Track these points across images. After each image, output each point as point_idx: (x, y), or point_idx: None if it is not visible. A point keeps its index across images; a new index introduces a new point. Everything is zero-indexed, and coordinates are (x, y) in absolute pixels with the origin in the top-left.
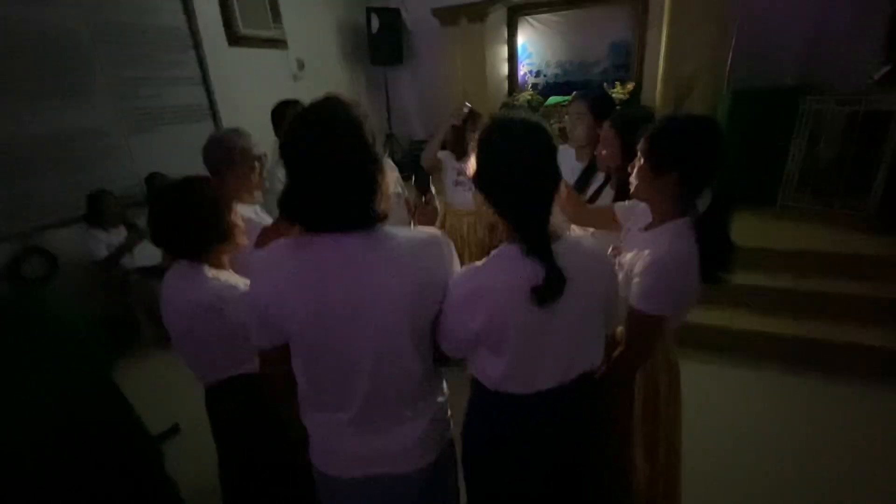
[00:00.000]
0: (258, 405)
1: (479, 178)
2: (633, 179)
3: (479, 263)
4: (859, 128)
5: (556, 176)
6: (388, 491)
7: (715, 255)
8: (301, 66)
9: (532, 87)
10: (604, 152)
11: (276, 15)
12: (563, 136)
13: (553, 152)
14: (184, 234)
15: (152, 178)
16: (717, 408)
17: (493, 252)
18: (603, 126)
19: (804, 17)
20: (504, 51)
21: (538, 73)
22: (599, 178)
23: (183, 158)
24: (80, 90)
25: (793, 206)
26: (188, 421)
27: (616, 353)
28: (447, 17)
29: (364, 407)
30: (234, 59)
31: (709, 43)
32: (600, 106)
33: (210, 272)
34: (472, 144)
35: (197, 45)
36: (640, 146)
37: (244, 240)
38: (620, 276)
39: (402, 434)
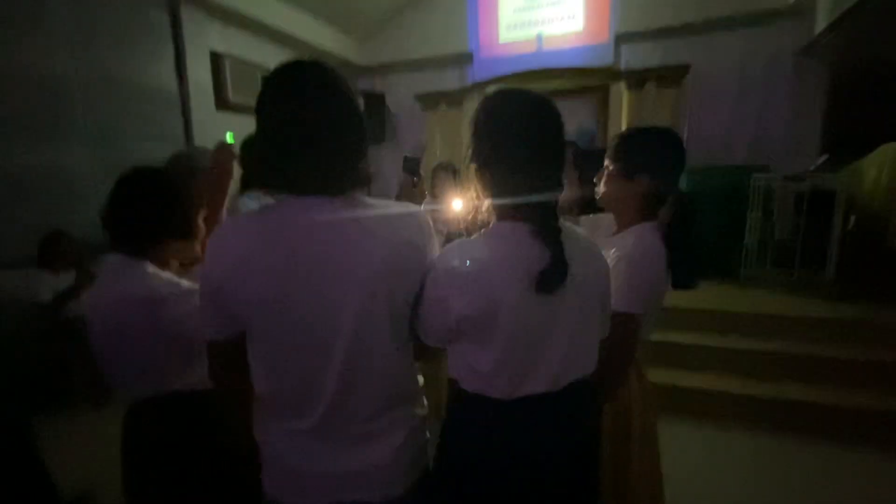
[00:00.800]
0: (191, 431)
1: (481, 155)
2: (601, 187)
3: (471, 238)
4: (808, 204)
5: (564, 152)
6: None
7: (682, 262)
8: None
9: None
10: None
11: None
12: None
13: (562, 125)
14: (133, 218)
15: None
16: (686, 467)
17: (488, 228)
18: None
19: (749, 106)
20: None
21: None
22: None
23: None
24: (58, 133)
25: (755, 276)
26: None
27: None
28: (428, 102)
29: (331, 410)
30: (219, 122)
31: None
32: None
33: (150, 268)
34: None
35: (184, 107)
36: (608, 155)
37: (197, 247)
38: None
39: (375, 450)
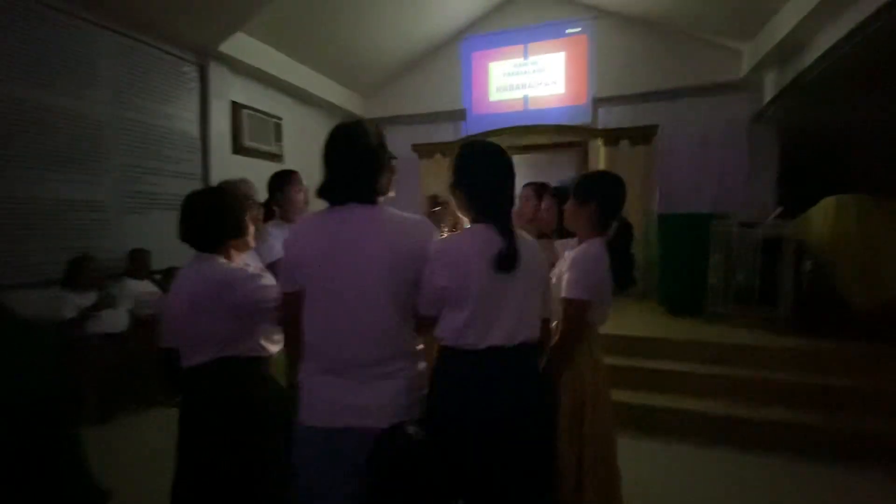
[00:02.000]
0: (240, 387)
1: (460, 181)
2: (566, 211)
3: (454, 234)
4: (762, 248)
5: (514, 177)
6: (358, 445)
7: (623, 267)
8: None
9: None
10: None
11: (279, 135)
12: None
13: (510, 164)
14: (207, 227)
15: (134, 253)
16: (649, 482)
17: (465, 228)
18: (543, 200)
19: (712, 162)
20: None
21: None
22: None
23: (168, 241)
24: (89, 167)
25: (720, 312)
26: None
27: (555, 338)
28: (424, 151)
29: (354, 356)
30: (234, 165)
31: (638, 181)
32: (540, 188)
33: (220, 259)
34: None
35: (204, 149)
36: (572, 190)
37: (252, 242)
38: (554, 280)
39: (382, 388)
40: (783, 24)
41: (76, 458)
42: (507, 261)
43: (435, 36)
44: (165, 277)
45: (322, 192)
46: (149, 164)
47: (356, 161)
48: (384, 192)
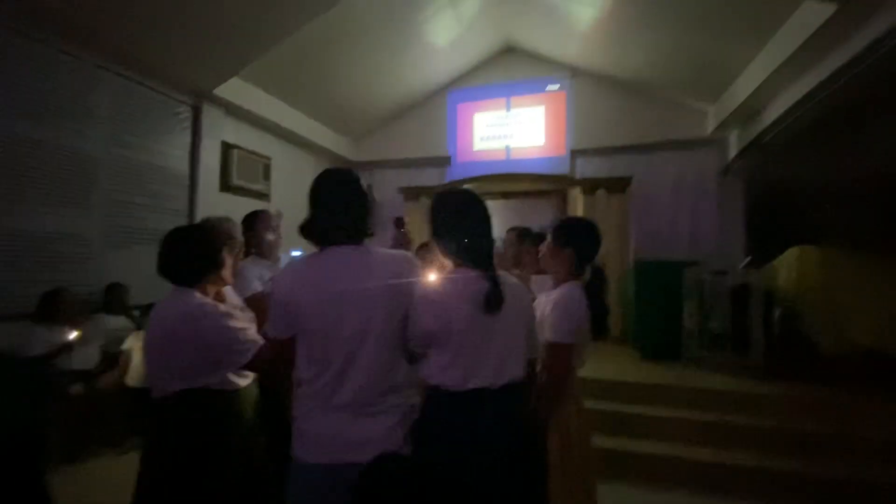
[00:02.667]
0: (204, 420)
1: (439, 230)
2: (542, 255)
3: (441, 278)
4: (732, 296)
5: (490, 220)
6: (354, 480)
7: (598, 312)
8: (278, 216)
9: None
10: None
11: (267, 174)
12: None
13: (486, 210)
14: (185, 262)
15: (112, 288)
16: None
17: (447, 273)
18: (524, 245)
19: (684, 212)
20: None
21: None
22: None
23: (147, 276)
24: (76, 201)
25: (695, 357)
26: None
27: (542, 380)
28: (410, 194)
29: (349, 393)
30: (221, 202)
31: (615, 228)
32: (522, 232)
33: (197, 294)
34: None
35: (192, 187)
36: (549, 234)
37: (230, 278)
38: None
39: (377, 425)
40: (742, 89)
41: (42, 497)
42: (493, 302)
43: (424, 87)
44: (145, 313)
45: (308, 233)
46: (136, 200)
47: (348, 203)
48: (370, 235)
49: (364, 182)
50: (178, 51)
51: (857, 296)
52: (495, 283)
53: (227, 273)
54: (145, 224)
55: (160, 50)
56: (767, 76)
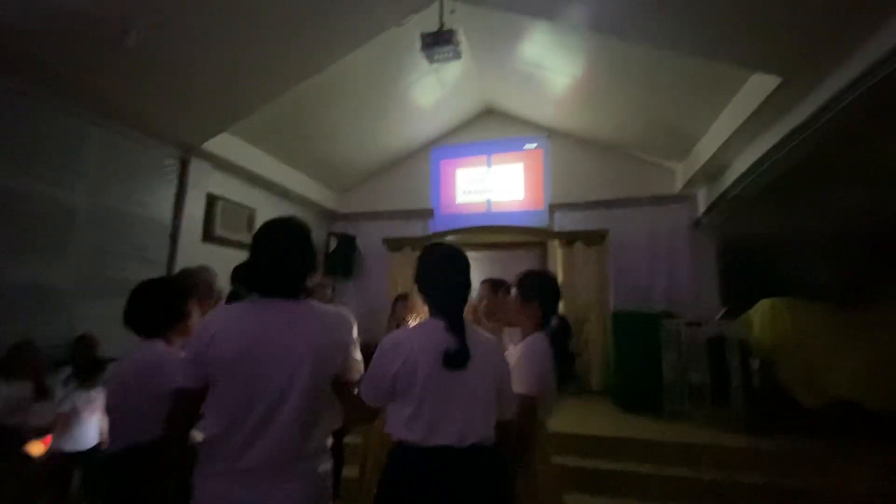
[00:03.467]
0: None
1: (420, 277)
2: (509, 308)
3: (409, 325)
4: (709, 347)
5: (469, 278)
6: None
7: (563, 361)
8: None
9: None
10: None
11: (251, 225)
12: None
13: (466, 263)
14: (149, 314)
15: (80, 340)
16: None
17: (420, 321)
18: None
19: (659, 265)
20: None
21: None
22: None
23: (120, 328)
24: (53, 252)
25: (677, 411)
26: None
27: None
28: (394, 245)
29: (257, 457)
30: (202, 253)
31: (594, 280)
32: (496, 284)
33: (159, 344)
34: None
35: (174, 237)
36: (514, 286)
37: (192, 328)
38: None
39: (284, 492)
40: (705, 150)
41: None
42: (455, 358)
43: (408, 144)
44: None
45: (241, 279)
46: (115, 250)
47: (289, 255)
48: (309, 291)
49: (308, 232)
50: (169, 107)
51: (830, 348)
52: (461, 337)
53: (194, 323)
54: (123, 275)
55: (150, 106)
56: (726, 139)
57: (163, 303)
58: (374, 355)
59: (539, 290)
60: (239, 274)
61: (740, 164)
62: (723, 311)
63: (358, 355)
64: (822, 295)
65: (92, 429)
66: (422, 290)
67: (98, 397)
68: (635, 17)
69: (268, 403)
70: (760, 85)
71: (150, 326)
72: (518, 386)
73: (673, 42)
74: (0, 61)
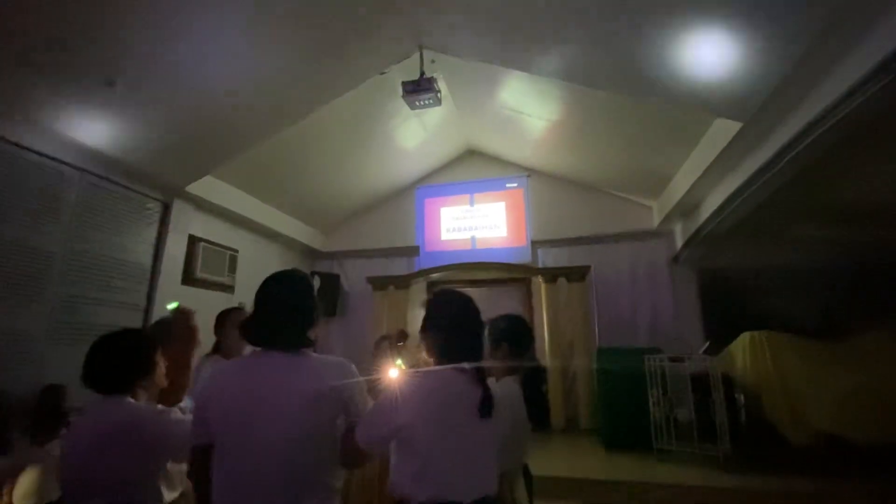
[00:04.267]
0: None
1: (434, 324)
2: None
3: (419, 371)
4: (693, 383)
5: (483, 328)
6: None
7: (536, 406)
8: (243, 309)
9: None
10: None
11: (233, 266)
12: None
13: (478, 313)
14: (111, 370)
15: (47, 391)
16: None
17: (436, 368)
18: None
19: (642, 299)
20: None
21: None
22: None
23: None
24: (25, 297)
25: (666, 449)
26: None
27: None
28: (378, 284)
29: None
30: (182, 295)
31: (579, 316)
32: None
33: (129, 400)
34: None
35: (153, 280)
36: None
37: (163, 381)
38: None
39: None
40: (678, 189)
41: None
42: (488, 406)
43: (393, 184)
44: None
45: (246, 333)
46: (92, 294)
47: (290, 307)
48: (310, 345)
49: (311, 287)
50: (153, 151)
51: (811, 382)
52: (486, 387)
53: (159, 377)
54: (98, 320)
55: (134, 150)
56: (696, 179)
57: (128, 356)
58: (381, 400)
59: (507, 333)
60: (242, 331)
61: (712, 201)
62: (706, 345)
63: (364, 397)
64: (800, 327)
65: (50, 488)
66: (435, 336)
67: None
68: (604, 68)
69: (263, 460)
70: (724, 129)
71: (113, 382)
72: None
73: (639, 90)
74: None
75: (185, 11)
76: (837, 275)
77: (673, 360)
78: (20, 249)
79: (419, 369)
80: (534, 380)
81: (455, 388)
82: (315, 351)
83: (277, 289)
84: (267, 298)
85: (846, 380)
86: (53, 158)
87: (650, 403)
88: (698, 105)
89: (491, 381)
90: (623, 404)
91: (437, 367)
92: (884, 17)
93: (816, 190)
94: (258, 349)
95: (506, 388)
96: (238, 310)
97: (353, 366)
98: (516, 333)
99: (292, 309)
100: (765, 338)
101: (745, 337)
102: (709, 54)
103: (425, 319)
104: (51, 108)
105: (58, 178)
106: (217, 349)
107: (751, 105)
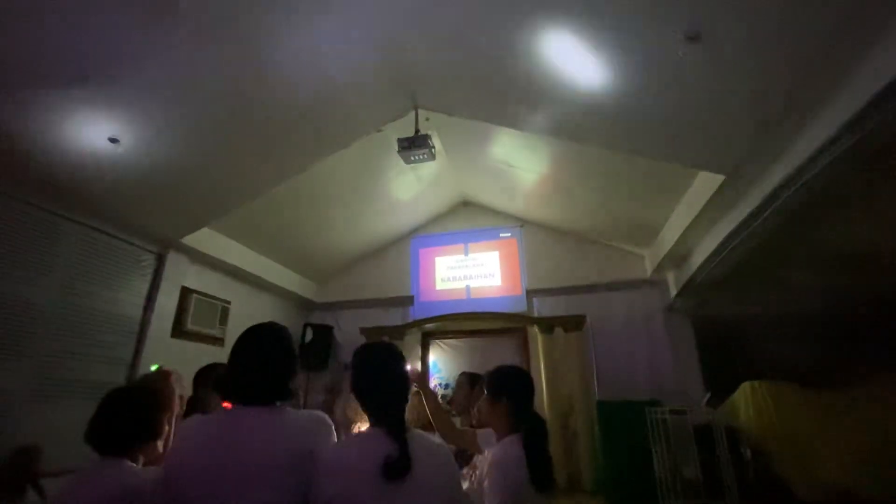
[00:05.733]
0: None
1: (355, 381)
2: (478, 409)
3: (345, 437)
4: (697, 436)
5: (405, 378)
6: None
7: (539, 464)
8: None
9: (441, 397)
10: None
11: (224, 318)
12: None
13: (403, 362)
14: (118, 429)
15: (19, 452)
16: None
17: (359, 431)
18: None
19: (639, 349)
20: (418, 366)
21: (446, 386)
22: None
23: (69, 436)
24: (11, 351)
25: None
26: None
27: None
28: (372, 334)
29: None
30: (170, 349)
31: (576, 367)
32: (473, 378)
33: (127, 464)
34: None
35: (141, 333)
36: (483, 385)
37: (160, 447)
38: (474, 483)
39: None
40: (667, 239)
41: None
42: (395, 467)
43: (387, 234)
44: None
45: (220, 389)
46: (76, 349)
47: (266, 361)
48: (288, 398)
49: (288, 340)
50: (148, 205)
51: (816, 434)
52: (402, 444)
53: (161, 443)
54: (80, 375)
55: (129, 204)
56: (684, 230)
57: (137, 416)
58: (316, 470)
59: (508, 387)
60: (216, 386)
61: (703, 250)
62: (707, 395)
63: None
64: (799, 376)
65: None
66: (358, 395)
67: None
68: (590, 126)
69: None
70: (708, 180)
71: (117, 443)
72: (489, 498)
73: (624, 146)
74: None
75: (191, 66)
76: (835, 321)
77: (675, 412)
78: (9, 303)
79: (348, 433)
80: (538, 438)
81: (379, 449)
82: (302, 405)
83: (251, 341)
84: (240, 352)
85: (858, 432)
86: (49, 211)
87: (654, 459)
88: (682, 160)
89: (488, 439)
90: (627, 461)
91: (365, 430)
92: (861, 59)
93: (806, 237)
94: (233, 406)
95: (505, 452)
96: (220, 365)
97: (330, 420)
98: (518, 387)
99: (266, 361)
100: (766, 388)
101: (745, 387)
102: (686, 113)
103: (351, 378)
104: (48, 160)
105: (51, 228)
106: (193, 409)
107: (731, 159)
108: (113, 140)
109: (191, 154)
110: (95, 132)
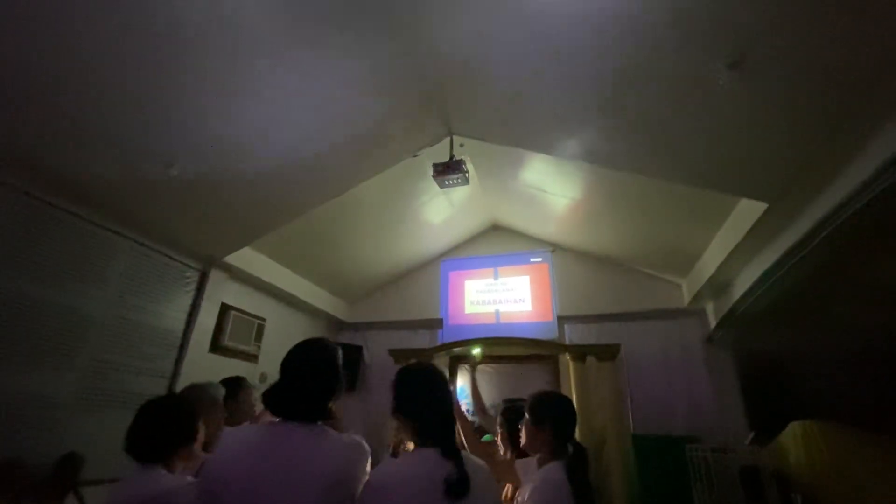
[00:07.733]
0: None
1: (401, 403)
2: (522, 434)
3: (397, 458)
4: (742, 478)
5: (452, 399)
6: None
7: (582, 491)
8: (263, 379)
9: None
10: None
11: (259, 335)
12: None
13: (448, 383)
14: (154, 437)
15: (64, 460)
16: None
17: (408, 451)
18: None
19: (677, 382)
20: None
21: (474, 413)
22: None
23: (110, 443)
24: (57, 363)
25: None
26: None
27: None
28: (400, 357)
29: None
30: (207, 363)
31: (610, 398)
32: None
33: (162, 471)
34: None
35: (182, 347)
36: (526, 409)
37: (200, 453)
38: None
39: None
40: (706, 268)
41: None
42: (457, 486)
43: (418, 257)
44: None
45: (267, 400)
46: (121, 360)
47: (312, 377)
48: (331, 417)
49: (337, 357)
50: (197, 225)
51: (876, 483)
52: (460, 464)
53: (198, 448)
54: (122, 387)
55: (179, 224)
56: (724, 259)
57: (172, 424)
58: (364, 492)
59: (552, 412)
60: (264, 399)
61: (744, 281)
62: (752, 435)
63: None
64: (852, 417)
65: None
66: (405, 416)
67: None
68: (626, 152)
69: None
70: (750, 208)
71: (153, 450)
72: None
73: (661, 173)
74: (47, 185)
75: (243, 94)
76: (891, 360)
77: (716, 450)
78: (64, 313)
79: (392, 457)
80: (582, 464)
81: (432, 470)
82: (334, 426)
83: (301, 355)
84: (291, 365)
85: None
86: (109, 229)
87: (694, 499)
88: (721, 187)
89: (531, 466)
90: (664, 499)
91: (412, 451)
92: None
93: (859, 270)
94: (276, 419)
95: (549, 477)
96: (241, 378)
97: (367, 447)
98: (561, 413)
99: (315, 377)
100: (817, 429)
101: (795, 427)
102: (729, 139)
103: (394, 399)
104: (117, 189)
105: (107, 246)
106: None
107: (775, 186)
108: (169, 164)
109: (240, 173)
110: (153, 159)
